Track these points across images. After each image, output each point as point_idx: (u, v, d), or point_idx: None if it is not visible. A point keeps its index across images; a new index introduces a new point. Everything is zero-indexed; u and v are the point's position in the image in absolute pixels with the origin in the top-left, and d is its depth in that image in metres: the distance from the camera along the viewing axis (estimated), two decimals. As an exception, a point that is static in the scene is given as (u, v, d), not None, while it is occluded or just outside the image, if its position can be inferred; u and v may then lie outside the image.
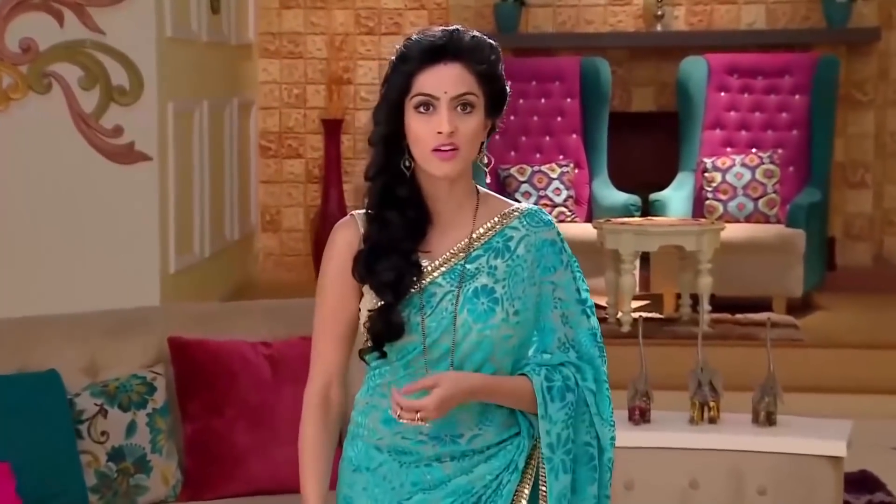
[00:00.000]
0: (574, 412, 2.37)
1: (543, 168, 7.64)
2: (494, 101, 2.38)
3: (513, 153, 7.83)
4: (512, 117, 7.77)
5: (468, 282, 2.37)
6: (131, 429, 3.64)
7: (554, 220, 2.47)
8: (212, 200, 7.09)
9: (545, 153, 7.84)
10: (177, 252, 6.42)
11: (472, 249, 2.39)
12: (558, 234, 2.44)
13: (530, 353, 2.40)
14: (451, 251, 2.39)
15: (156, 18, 6.19)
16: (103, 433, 3.60)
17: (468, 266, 2.38)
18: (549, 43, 8.45)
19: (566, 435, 2.36)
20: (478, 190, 2.45)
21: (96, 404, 3.62)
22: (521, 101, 7.84)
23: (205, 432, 3.72)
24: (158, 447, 3.65)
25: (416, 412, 2.27)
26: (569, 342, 2.40)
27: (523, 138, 7.87)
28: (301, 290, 5.34)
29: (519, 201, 2.51)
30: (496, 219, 2.42)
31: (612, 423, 2.42)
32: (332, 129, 8.40)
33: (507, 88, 2.41)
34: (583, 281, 2.45)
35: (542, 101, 7.91)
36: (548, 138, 7.89)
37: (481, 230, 2.41)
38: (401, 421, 2.28)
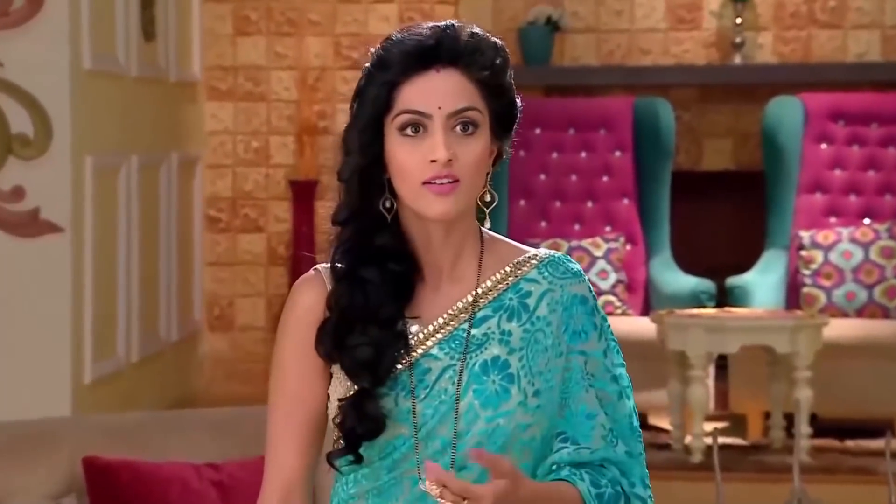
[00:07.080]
0: None
1: (584, 243, 7.68)
2: (502, 120, 2.42)
3: (543, 223, 7.86)
4: (542, 176, 7.83)
5: (474, 353, 2.39)
6: (32, 581, 3.65)
7: (583, 271, 2.49)
8: (142, 288, 7.12)
9: (587, 224, 7.87)
10: (95, 356, 6.44)
11: (477, 309, 2.42)
12: (589, 289, 2.47)
13: (560, 445, 2.41)
14: (450, 313, 2.42)
15: (70, 46, 6.26)
16: (-5, 587, 3.61)
17: (473, 331, 2.41)
18: (593, 79, 8.53)
19: None
20: (481, 233, 2.47)
21: (-14, 548, 3.64)
22: (554, 154, 7.89)
23: (130, 587, 3.72)
24: None
25: (464, 499, 2.23)
26: (612, 434, 2.42)
27: (558, 204, 7.91)
28: (260, 405, 5.34)
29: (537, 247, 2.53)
30: (507, 269, 2.45)
31: None
32: (304, 193, 8.46)
33: (518, 103, 2.45)
34: (618, 353, 2.47)
35: (584, 154, 7.97)
36: (590, 204, 7.93)
37: (488, 283, 2.44)
38: (437, 499, 2.25)
